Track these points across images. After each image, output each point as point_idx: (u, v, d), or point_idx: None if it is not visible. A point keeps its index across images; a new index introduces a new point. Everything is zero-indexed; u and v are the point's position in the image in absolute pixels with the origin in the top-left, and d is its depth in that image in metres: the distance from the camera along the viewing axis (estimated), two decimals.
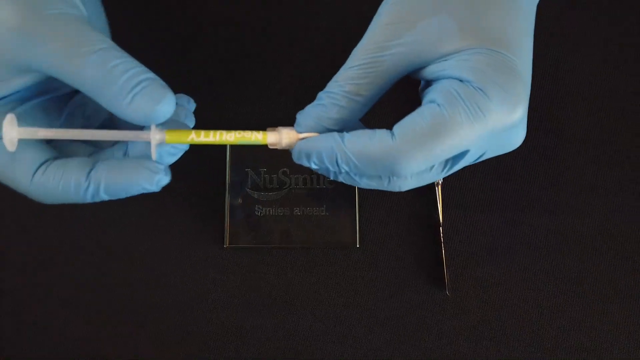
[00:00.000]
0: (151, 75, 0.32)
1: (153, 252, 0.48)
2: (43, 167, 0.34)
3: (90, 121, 0.38)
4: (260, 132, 0.36)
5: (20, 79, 0.33)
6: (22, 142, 0.33)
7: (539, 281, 0.48)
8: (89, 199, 0.34)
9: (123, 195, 0.34)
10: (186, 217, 0.48)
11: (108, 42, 0.32)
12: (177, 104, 0.35)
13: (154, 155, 0.34)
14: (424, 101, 0.35)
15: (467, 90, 0.33)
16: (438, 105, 0.33)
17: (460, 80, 0.34)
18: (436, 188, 0.48)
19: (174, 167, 0.48)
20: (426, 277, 0.48)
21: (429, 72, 0.35)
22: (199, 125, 0.37)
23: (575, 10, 0.51)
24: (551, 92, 0.50)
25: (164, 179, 0.34)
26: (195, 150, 0.48)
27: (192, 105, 0.38)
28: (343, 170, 0.35)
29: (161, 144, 0.34)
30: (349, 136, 0.34)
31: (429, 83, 0.37)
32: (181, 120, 0.36)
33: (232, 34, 0.50)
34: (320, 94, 0.36)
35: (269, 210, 0.47)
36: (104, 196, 0.34)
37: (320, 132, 0.36)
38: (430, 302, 0.48)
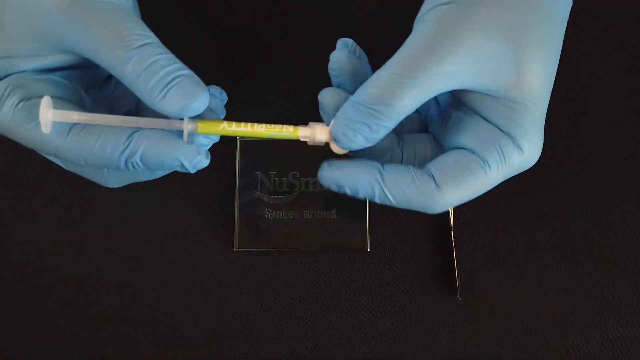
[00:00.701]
0: (187, 72, 0.33)
1: (162, 255, 0.48)
2: (80, 125, 0.33)
3: (115, 107, 0.38)
4: (292, 126, 0.35)
5: (61, 57, 0.34)
6: (57, 101, 0.33)
7: (550, 287, 0.47)
8: (122, 163, 0.33)
9: (157, 167, 0.33)
10: (196, 220, 0.48)
11: (151, 37, 0.33)
12: (211, 94, 0.36)
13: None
14: (457, 138, 0.36)
15: (507, 145, 0.34)
16: (480, 157, 0.34)
17: (500, 129, 0.34)
18: None
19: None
20: (437, 282, 0.48)
21: (472, 100, 0.35)
22: None
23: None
24: (565, 101, 0.49)
25: (204, 161, 0.33)
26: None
27: (224, 97, 0.38)
28: (374, 201, 0.35)
29: (193, 133, 0.34)
30: (389, 176, 0.34)
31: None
32: (214, 111, 0.36)
33: (244, 34, 0.50)
34: (360, 107, 0.33)
35: (279, 214, 0.47)
36: (138, 162, 0.33)
37: (355, 149, 0.34)
38: (441, 307, 0.47)
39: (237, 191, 0.47)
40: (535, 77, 0.34)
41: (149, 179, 0.38)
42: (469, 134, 0.35)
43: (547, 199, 0.48)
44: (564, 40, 0.35)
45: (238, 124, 0.34)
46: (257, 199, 0.47)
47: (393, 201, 0.34)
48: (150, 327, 0.47)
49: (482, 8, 0.33)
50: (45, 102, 0.32)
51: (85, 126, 0.33)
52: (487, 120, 0.35)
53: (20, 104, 0.33)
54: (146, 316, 0.47)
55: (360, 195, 0.34)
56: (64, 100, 0.34)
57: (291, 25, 0.51)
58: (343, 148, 0.34)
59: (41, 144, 0.33)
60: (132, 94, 0.33)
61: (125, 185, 0.48)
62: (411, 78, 0.32)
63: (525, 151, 0.34)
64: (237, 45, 0.50)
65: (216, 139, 0.37)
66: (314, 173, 0.47)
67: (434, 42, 0.32)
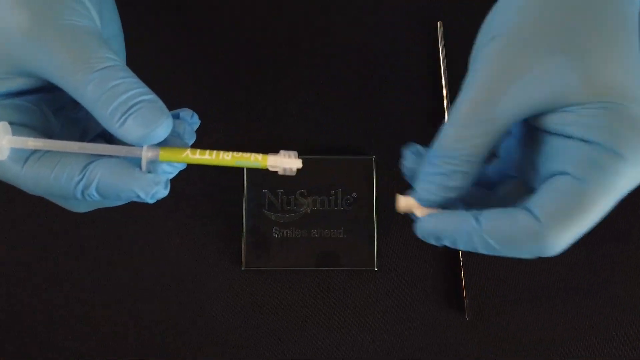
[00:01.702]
0: (150, 97, 0.31)
1: (170, 273, 0.48)
2: (38, 153, 0.32)
3: (88, 130, 0.37)
4: (260, 154, 0.34)
5: (24, 80, 0.33)
6: (17, 128, 0.32)
7: (559, 306, 0.47)
8: (78, 194, 0.32)
9: (114, 198, 0.32)
10: (203, 238, 0.48)
11: (115, 60, 0.32)
12: (180, 117, 0.35)
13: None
14: (546, 168, 0.33)
15: (601, 156, 0.30)
16: (577, 179, 0.31)
17: (587, 142, 0.31)
18: None
19: (193, 187, 0.48)
20: (445, 301, 0.47)
21: (548, 122, 0.32)
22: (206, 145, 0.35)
23: None
24: None
25: (162, 191, 0.32)
26: (212, 170, 0.48)
27: (196, 121, 0.37)
28: (479, 251, 0.32)
29: (154, 161, 0.33)
30: (486, 220, 0.31)
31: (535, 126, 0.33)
32: (181, 136, 0.35)
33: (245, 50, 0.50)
34: (433, 159, 0.32)
35: (286, 232, 0.47)
36: (94, 194, 0.32)
37: (441, 202, 0.33)
38: (449, 326, 0.47)
39: (244, 209, 0.47)
40: (609, 77, 0.30)
41: (116, 205, 0.36)
42: (557, 159, 0.32)
43: None
44: None
45: (202, 151, 0.33)
46: (265, 217, 0.47)
47: (497, 247, 0.31)
48: (157, 345, 0.47)
49: (537, 35, 0.31)
50: (1, 128, 0.31)
51: (43, 154, 0.32)
52: (571, 137, 0.31)
53: None
54: (153, 334, 0.47)
55: (461, 247, 0.32)
56: (25, 126, 0.33)
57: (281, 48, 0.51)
58: (429, 205, 0.33)
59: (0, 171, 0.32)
60: None
61: (132, 204, 0.48)
62: (478, 119, 0.31)
63: (625, 158, 0.30)
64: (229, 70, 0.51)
65: (181, 166, 0.35)
66: (322, 191, 0.47)
67: (493, 77, 0.31)
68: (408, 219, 0.48)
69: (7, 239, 0.48)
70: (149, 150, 0.32)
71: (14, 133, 0.32)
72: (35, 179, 0.32)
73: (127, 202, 0.34)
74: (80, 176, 0.32)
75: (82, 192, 0.32)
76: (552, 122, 0.32)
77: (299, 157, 0.34)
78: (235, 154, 0.33)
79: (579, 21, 0.31)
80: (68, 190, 0.32)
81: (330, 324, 0.47)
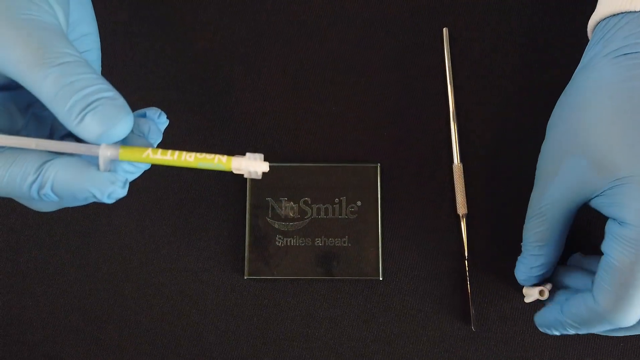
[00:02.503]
0: (111, 94, 0.31)
1: (172, 282, 0.47)
2: None
3: (56, 128, 0.36)
4: (225, 156, 0.32)
5: None
6: None
7: None
8: (34, 194, 0.31)
9: (70, 199, 0.32)
10: (206, 246, 0.47)
11: (74, 56, 0.31)
12: (146, 116, 0.34)
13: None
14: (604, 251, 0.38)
15: (612, 228, 0.37)
16: (616, 260, 0.36)
17: (620, 223, 0.36)
18: (461, 220, 0.47)
19: (195, 194, 0.48)
20: (451, 312, 0.47)
21: (594, 204, 0.39)
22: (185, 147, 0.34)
23: None
24: None
25: (120, 191, 0.31)
26: (215, 177, 0.48)
27: (163, 121, 0.35)
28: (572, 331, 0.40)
29: (114, 160, 0.31)
30: (567, 309, 0.39)
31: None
32: (145, 135, 0.34)
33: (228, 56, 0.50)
34: (522, 246, 0.43)
35: (290, 241, 0.46)
36: (50, 193, 0.31)
37: (531, 280, 0.43)
38: (455, 337, 0.46)
39: (247, 217, 0.47)
40: (616, 156, 0.36)
41: (76, 205, 0.35)
42: (603, 245, 0.38)
43: None
44: None
45: (164, 151, 0.32)
46: (268, 225, 0.46)
47: (581, 329, 0.39)
48: (160, 354, 0.46)
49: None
50: None
51: (1, 153, 0.31)
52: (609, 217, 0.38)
53: None
54: (155, 345, 0.46)
55: (556, 332, 0.41)
56: None
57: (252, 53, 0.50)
58: (526, 284, 0.44)
59: None
60: None
61: (135, 211, 0.47)
62: (532, 213, 0.42)
63: (634, 224, 0.35)
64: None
65: (145, 166, 0.33)
66: (326, 199, 0.47)
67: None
68: (412, 228, 0.48)
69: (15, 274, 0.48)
70: (108, 148, 0.31)
71: None
72: None
73: (85, 203, 0.33)
74: (35, 176, 0.31)
75: (38, 192, 0.31)
76: (595, 205, 0.39)
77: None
78: (198, 155, 0.32)
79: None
80: (22, 190, 0.31)
81: (334, 333, 0.47)
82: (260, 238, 0.46)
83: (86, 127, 0.30)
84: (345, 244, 0.46)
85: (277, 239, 0.46)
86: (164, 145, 0.34)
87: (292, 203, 0.47)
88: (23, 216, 0.48)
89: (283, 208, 0.47)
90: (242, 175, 0.33)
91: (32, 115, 0.35)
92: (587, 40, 0.43)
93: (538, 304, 0.46)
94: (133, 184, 0.48)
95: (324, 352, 0.46)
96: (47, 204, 0.34)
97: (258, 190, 0.47)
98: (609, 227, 0.38)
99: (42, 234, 0.48)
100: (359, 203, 0.47)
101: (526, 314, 0.47)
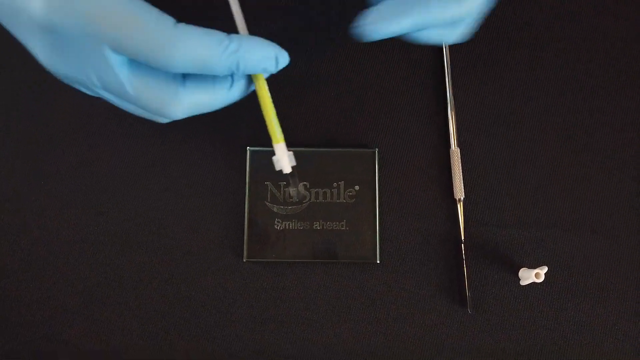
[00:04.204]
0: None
1: (171, 265, 0.48)
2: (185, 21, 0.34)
3: None
4: (282, 135, 0.39)
5: None
6: None
7: (562, 299, 0.47)
8: (225, 58, 0.34)
9: (254, 63, 0.35)
10: (206, 230, 0.48)
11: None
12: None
13: None
14: None
15: None
16: None
17: None
18: (458, 205, 0.47)
19: (195, 179, 0.48)
20: (448, 295, 0.47)
21: None
22: None
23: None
24: (580, 107, 0.49)
25: (287, 58, 0.37)
26: (214, 162, 0.48)
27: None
28: None
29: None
30: None
31: None
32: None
33: None
34: None
35: (289, 224, 0.47)
36: (242, 55, 0.35)
37: None
38: (452, 320, 0.47)
39: (246, 201, 0.47)
40: None
41: (211, 110, 0.38)
42: None
43: (559, 211, 0.48)
44: None
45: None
46: (267, 209, 0.47)
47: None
48: (160, 337, 0.47)
49: None
50: None
51: (189, 24, 0.34)
52: None
53: None
54: (155, 328, 0.47)
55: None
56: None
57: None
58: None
59: (146, 31, 0.33)
60: None
61: (137, 194, 0.48)
62: None
63: None
64: None
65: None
66: (325, 184, 0.47)
67: None
68: (410, 212, 0.48)
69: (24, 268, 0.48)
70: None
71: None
72: (185, 39, 0.34)
73: (243, 90, 0.38)
74: (229, 40, 0.34)
75: (230, 56, 0.35)
76: None
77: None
78: (274, 113, 0.39)
79: None
80: (216, 55, 0.34)
81: (331, 315, 0.47)
82: (258, 222, 0.47)
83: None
84: (343, 228, 0.47)
85: (275, 222, 0.47)
86: None
87: (290, 187, 0.47)
88: (29, 199, 0.48)
89: (282, 192, 0.47)
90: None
91: None
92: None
93: (534, 288, 0.47)
94: (136, 168, 0.48)
95: (322, 332, 0.47)
96: (187, 104, 0.37)
97: (257, 175, 0.47)
98: None
99: (51, 225, 0.48)
100: (356, 187, 0.47)
101: (522, 297, 0.47)
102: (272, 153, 0.45)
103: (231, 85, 0.38)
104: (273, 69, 0.37)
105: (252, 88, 0.39)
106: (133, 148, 0.49)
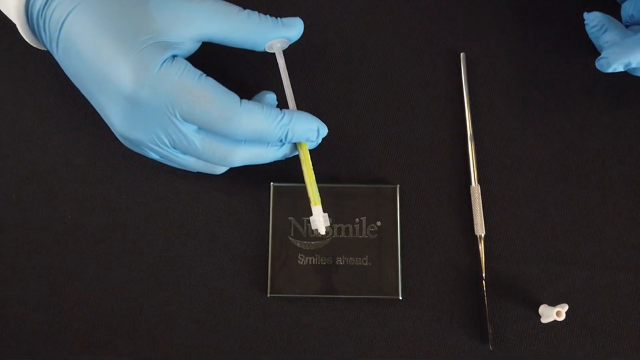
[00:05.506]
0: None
1: (196, 301, 0.48)
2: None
3: None
4: (319, 198, 0.44)
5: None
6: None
7: (581, 336, 0.47)
8: (278, 130, 0.42)
9: (300, 134, 0.43)
10: (230, 265, 0.48)
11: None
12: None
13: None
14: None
15: None
16: None
17: None
18: (479, 241, 0.48)
19: (220, 215, 0.49)
20: (469, 331, 0.47)
21: None
22: None
23: None
24: (604, 144, 0.50)
25: (326, 130, 0.45)
26: (238, 197, 0.49)
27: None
28: None
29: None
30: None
31: None
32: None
33: None
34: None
35: (311, 260, 0.47)
36: (292, 126, 0.42)
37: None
38: (473, 356, 0.47)
39: (270, 236, 0.48)
40: None
41: (263, 162, 0.45)
42: None
43: (577, 248, 0.48)
44: None
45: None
46: (291, 244, 0.48)
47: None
48: None
49: None
50: None
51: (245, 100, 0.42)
52: None
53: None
54: (180, 358, 0.47)
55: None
56: None
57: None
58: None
59: (219, 110, 0.40)
60: None
61: (162, 230, 0.49)
62: None
63: None
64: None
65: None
66: (347, 219, 0.48)
67: None
68: (431, 248, 0.48)
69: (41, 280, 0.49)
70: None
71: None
72: (250, 114, 0.41)
73: (278, 156, 0.46)
74: (282, 114, 0.42)
75: (282, 127, 0.42)
76: None
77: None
78: (313, 180, 0.44)
79: None
80: (271, 127, 0.42)
81: (353, 351, 0.47)
82: (282, 257, 0.47)
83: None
84: (366, 264, 0.47)
85: (299, 257, 0.47)
86: None
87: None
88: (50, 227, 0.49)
89: (305, 227, 0.48)
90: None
91: None
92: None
93: (555, 325, 0.47)
94: (160, 206, 0.49)
95: None
96: (242, 155, 0.44)
97: (280, 210, 0.48)
98: None
99: (69, 247, 0.49)
100: (378, 223, 0.48)
101: (543, 334, 0.47)
102: (296, 189, 0.47)
103: (280, 147, 0.45)
104: (314, 139, 0.45)
105: (296, 152, 0.45)
106: (154, 186, 0.50)
